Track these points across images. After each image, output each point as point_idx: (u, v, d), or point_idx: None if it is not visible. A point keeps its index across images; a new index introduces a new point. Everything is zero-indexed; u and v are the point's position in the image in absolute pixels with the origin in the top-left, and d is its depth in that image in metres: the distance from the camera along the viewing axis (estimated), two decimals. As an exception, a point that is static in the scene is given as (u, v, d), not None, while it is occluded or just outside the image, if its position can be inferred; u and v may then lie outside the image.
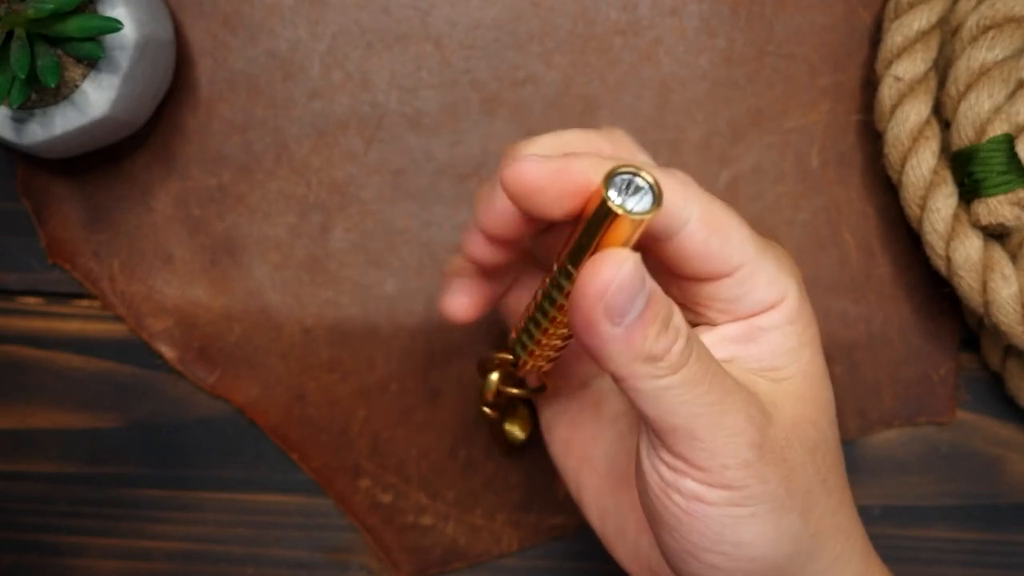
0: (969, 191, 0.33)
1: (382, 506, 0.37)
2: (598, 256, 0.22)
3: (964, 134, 0.33)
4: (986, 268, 0.33)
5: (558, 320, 0.26)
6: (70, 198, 0.37)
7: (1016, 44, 0.33)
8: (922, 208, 0.34)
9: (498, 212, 0.26)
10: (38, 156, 0.35)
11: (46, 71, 0.31)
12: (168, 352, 0.37)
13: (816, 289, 0.37)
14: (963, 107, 0.33)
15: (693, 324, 0.27)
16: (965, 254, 0.33)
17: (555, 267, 0.25)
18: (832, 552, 0.26)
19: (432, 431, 0.37)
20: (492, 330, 0.37)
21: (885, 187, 0.37)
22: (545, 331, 0.26)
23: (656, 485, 0.25)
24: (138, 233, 0.37)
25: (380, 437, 0.37)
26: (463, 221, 0.37)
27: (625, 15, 0.37)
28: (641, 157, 0.28)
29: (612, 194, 0.22)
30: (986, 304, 0.33)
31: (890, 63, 0.34)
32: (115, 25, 0.31)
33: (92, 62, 0.32)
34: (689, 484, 0.24)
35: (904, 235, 0.37)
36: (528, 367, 0.29)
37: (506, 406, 0.35)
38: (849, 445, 0.37)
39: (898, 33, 0.34)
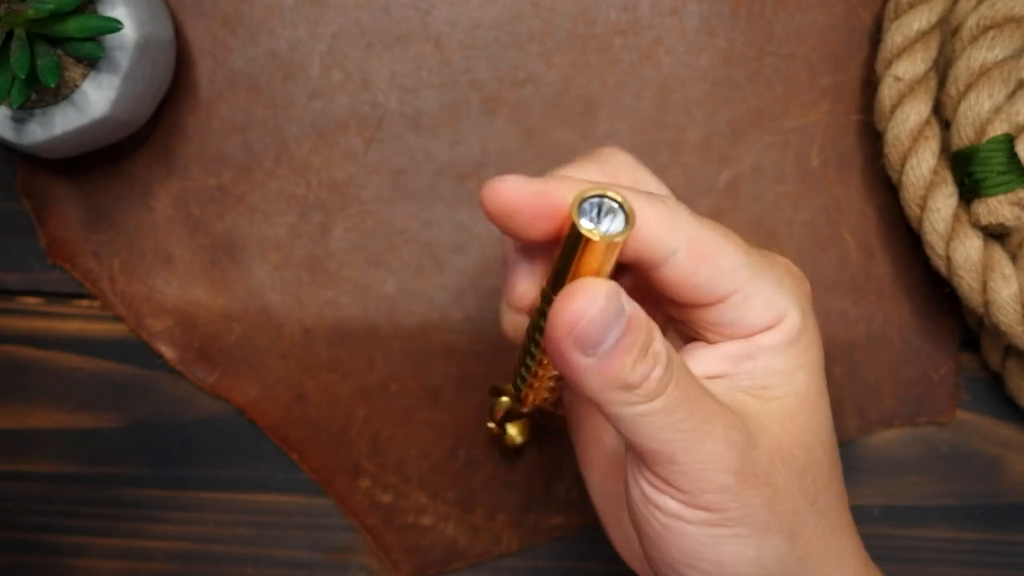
0: (969, 191, 0.33)
1: (382, 506, 0.37)
2: (571, 287, 0.22)
3: (964, 134, 0.33)
4: (986, 268, 0.33)
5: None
6: (70, 198, 0.37)
7: (1016, 44, 0.33)
8: (922, 208, 0.34)
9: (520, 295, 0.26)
10: (38, 156, 0.35)
11: (46, 71, 0.31)
12: (168, 352, 0.37)
13: (816, 289, 0.37)
14: (963, 107, 0.33)
15: (690, 340, 0.26)
16: (965, 254, 0.33)
17: (539, 298, 0.24)
18: (823, 574, 0.26)
19: (432, 431, 0.37)
20: (492, 329, 0.37)
21: (885, 187, 0.37)
22: (540, 362, 0.26)
23: (638, 499, 0.25)
24: (138, 233, 0.37)
25: (380, 437, 0.37)
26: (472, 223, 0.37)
27: (625, 15, 0.37)
28: (645, 178, 0.27)
29: (583, 219, 0.21)
30: (986, 304, 0.33)
31: (890, 63, 0.34)
32: (115, 25, 0.31)
33: (92, 62, 0.32)
34: (669, 503, 0.24)
35: (904, 235, 0.37)
36: (530, 400, 0.28)
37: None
38: (849, 445, 0.37)
39: (898, 33, 0.34)
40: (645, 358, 0.23)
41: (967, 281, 0.33)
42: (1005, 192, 0.32)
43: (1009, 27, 0.33)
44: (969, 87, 0.33)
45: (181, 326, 0.37)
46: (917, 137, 0.34)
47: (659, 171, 0.34)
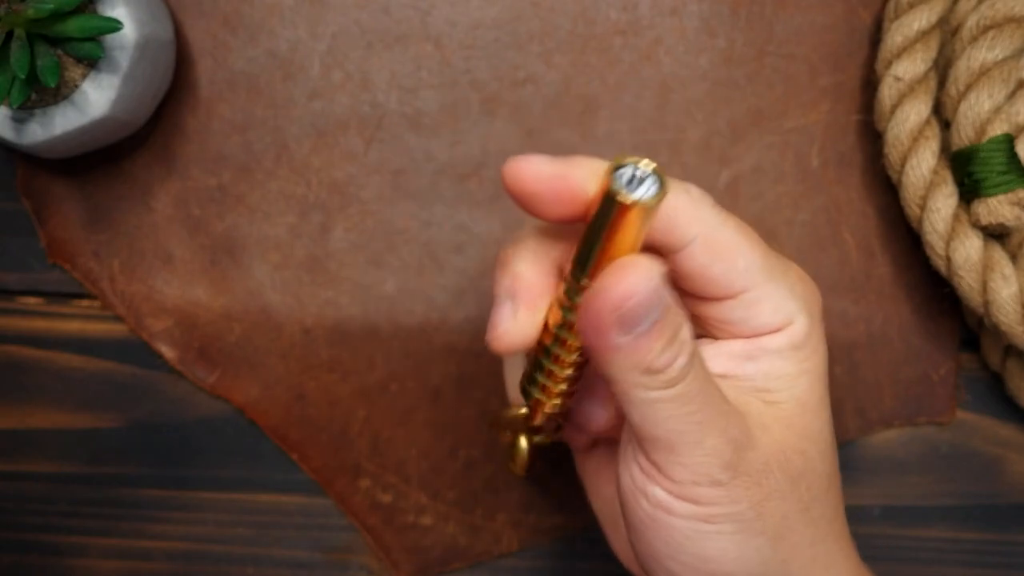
0: (969, 191, 0.33)
1: (382, 506, 0.37)
2: (622, 262, 0.22)
3: (964, 134, 0.33)
4: (986, 268, 0.33)
5: (568, 343, 0.25)
6: (70, 198, 0.37)
7: (1016, 44, 0.33)
8: (922, 208, 0.34)
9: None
10: (38, 156, 0.35)
11: (46, 71, 0.31)
12: (168, 352, 0.37)
13: (816, 289, 0.37)
14: (963, 107, 0.33)
15: (696, 335, 0.26)
16: (965, 254, 0.33)
17: (563, 286, 0.24)
18: None
19: (432, 431, 0.37)
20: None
21: (885, 187, 0.37)
22: (556, 359, 0.26)
23: (627, 487, 0.25)
24: (138, 233, 0.37)
25: (380, 437, 0.37)
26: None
27: (625, 15, 0.37)
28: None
29: (617, 185, 0.21)
30: (986, 304, 0.33)
31: (890, 63, 0.34)
32: (115, 25, 0.31)
33: (92, 62, 0.32)
34: (657, 492, 0.24)
35: (904, 235, 0.37)
36: (545, 410, 0.27)
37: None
38: (849, 445, 0.37)
39: (898, 33, 0.34)
40: (673, 345, 0.23)
41: (967, 281, 0.33)
42: (1005, 192, 0.32)
43: (1009, 27, 0.33)
44: (969, 87, 0.33)
45: (181, 326, 0.37)
46: (917, 137, 0.34)
47: (659, 171, 0.34)
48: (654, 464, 0.24)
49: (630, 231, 0.22)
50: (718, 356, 0.26)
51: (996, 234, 0.33)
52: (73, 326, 0.37)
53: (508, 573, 0.37)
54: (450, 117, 0.37)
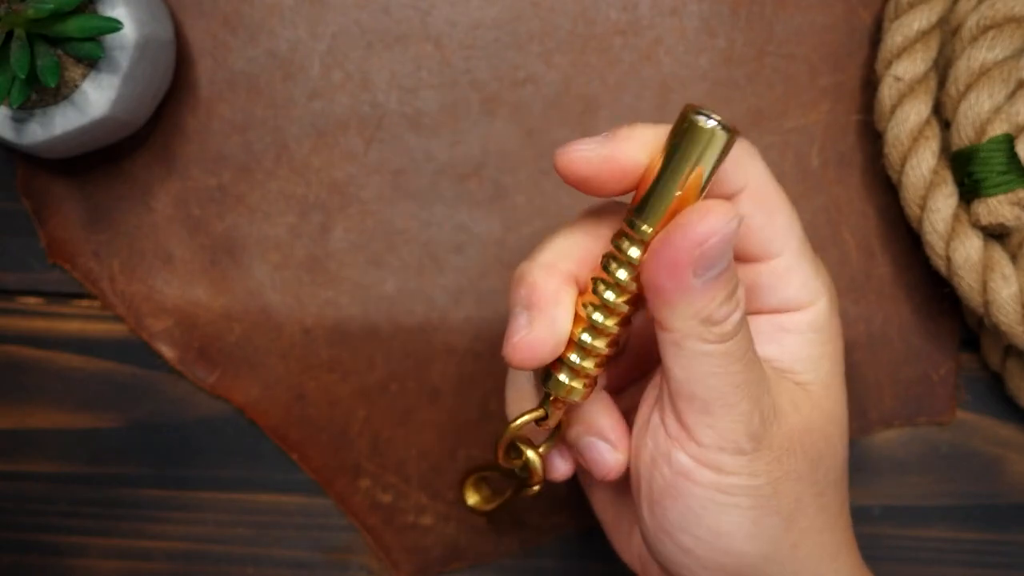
0: (969, 191, 0.33)
1: (382, 506, 0.37)
2: (706, 204, 0.23)
3: (964, 134, 0.33)
4: (986, 268, 0.33)
5: (613, 307, 0.25)
6: (70, 198, 0.37)
7: (1016, 44, 0.33)
8: (922, 208, 0.34)
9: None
10: (38, 156, 0.35)
11: (46, 71, 0.31)
12: (168, 352, 0.37)
13: (816, 289, 0.37)
14: (963, 107, 0.33)
15: None
16: (965, 254, 0.33)
17: (623, 237, 0.24)
18: (814, 571, 0.26)
19: (432, 431, 0.37)
20: (492, 329, 0.37)
21: (885, 187, 0.37)
22: (598, 330, 0.25)
23: (649, 453, 0.25)
24: (138, 233, 0.37)
25: (380, 437, 0.37)
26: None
27: (625, 15, 0.37)
28: None
29: (696, 116, 0.23)
30: (986, 304, 0.33)
31: (890, 63, 0.34)
32: (115, 25, 0.31)
33: (92, 62, 0.32)
34: (681, 457, 0.24)
35: (904, 235, 0.37)
36: (574, 397, 0.26)
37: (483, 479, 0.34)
38: (849, 445, 0.37)
39: (898, 33, 0.34)
40: (731, 299, 0.23)
41: (967, 281, 0.33)
42: (1005, 192, 0.32)
43: (1009, 27, 0.33)
44: (969, 87, 0.33)
45: (181, 326, 0.37)
46: (917, 137, 0.34)
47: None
48: (684, 426, 0.24)
49: (706, 163, 0.23)
50: None
51: (996, 234, 0.33)
52: (73, 326, 0.37)
53: (508, 573, 0.37)
54: (450, 117, 0.37)
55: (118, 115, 0.33)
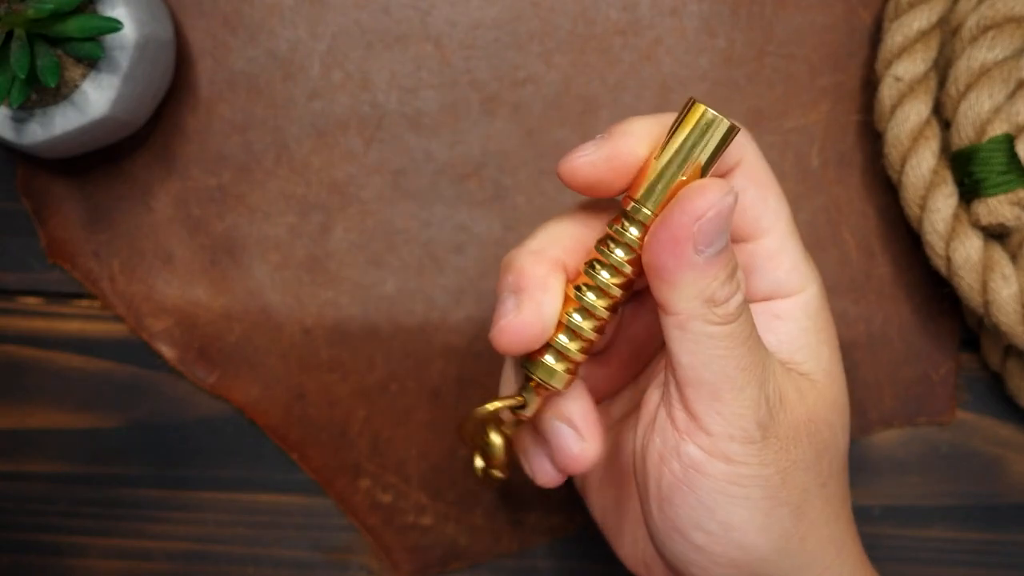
0: (969, 191, 0.33)
1: (382, 506, 0.37)
2: (703, 182, 0.23)
3: (964, 134, 0.33)
4: (986, 268, 0.33)
5: (606, 288, 0.25)
6: (70, 198, 0.37)
7: (1016, 44, 0.33)
8: (922, 208, 0.34)
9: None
10: (38, 156, 0.35)
11: (46, 71, 0.31)
12: (168, 352, 0.37)
13: (816, 289, 0.37)
14: (963, 107, 0.33)
15: None
16: (965, 254, 0.33)
17: (622, 220, 0.25)
18: (822, 563, 0.26)
19: (432, 431, 0.37)
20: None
21: (885, 187, 0.37)
22: (589, 312, 0.25)
23: (657, 451, 0.25)
24: (138, 233, 0.37)
25: (380, 437, 0.37)
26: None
27: (625, 15, 0.37)
28: None
29: (702, 107, 0.24)
30: (986, 304, 0.33)
31: (890, 63, 0.34)
32: (115, 25, 0.31)
33: (92, 62, 0.32)
34: (691, 449, 0.24)
35: (904, 235, 0.37)
36: (567, 362, 0.26)
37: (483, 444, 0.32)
38: (849, 445, 0.37)
39: (898, 33, 0.34)
40: (732, 280, 0.24)
41: (967, 281, 0.33)
42: (1005, 192, 0.32)
43: (1009, 27, 0.33)
44: (969, 87, 0.33)
45: (181, 326, 0.37)
46: (917, 137, 0.34)
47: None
48: (693, 416, 0.24)
49: (708, 150, 0.24)
50: None
51: (996, 234, 0.33)
52: (73, 326, 0.37)
53: (508, 573, 0.37)
54: (450, 117, 0.37)
55: (118, 115, 0.33)
